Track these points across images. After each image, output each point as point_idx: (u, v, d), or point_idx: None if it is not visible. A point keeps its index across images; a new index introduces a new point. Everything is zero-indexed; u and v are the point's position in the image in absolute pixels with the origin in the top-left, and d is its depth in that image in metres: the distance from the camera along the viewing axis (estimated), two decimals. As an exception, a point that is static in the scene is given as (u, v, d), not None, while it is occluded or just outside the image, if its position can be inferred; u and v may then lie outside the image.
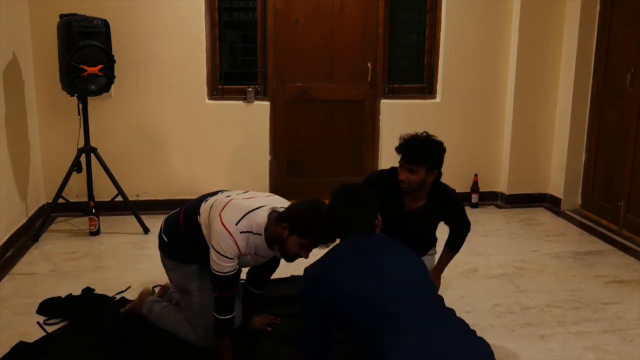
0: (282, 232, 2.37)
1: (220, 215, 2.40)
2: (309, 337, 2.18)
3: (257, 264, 2.64)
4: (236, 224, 2.38)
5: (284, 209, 2.47)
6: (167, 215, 2.81)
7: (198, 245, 2.54)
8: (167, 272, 2.79)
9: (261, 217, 2.43)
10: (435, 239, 3.07)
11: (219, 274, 2.40)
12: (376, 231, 2.29)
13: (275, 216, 2.45)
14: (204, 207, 2.56)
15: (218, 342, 2.52)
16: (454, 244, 3.01)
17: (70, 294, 3.26)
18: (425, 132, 2.76)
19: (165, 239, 2.73)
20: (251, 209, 2.44)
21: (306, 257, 2.41)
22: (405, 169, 2.68)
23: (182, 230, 2.64)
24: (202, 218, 2.53)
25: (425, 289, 2.10)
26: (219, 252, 2.37)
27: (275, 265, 2.83)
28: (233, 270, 2.42)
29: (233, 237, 2.36)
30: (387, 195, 2.75)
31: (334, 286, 2.06)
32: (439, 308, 2.07)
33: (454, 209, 2.92)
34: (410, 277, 2.10)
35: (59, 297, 3.21)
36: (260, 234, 2.42)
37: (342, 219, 2.24)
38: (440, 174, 2.79)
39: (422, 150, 2.66)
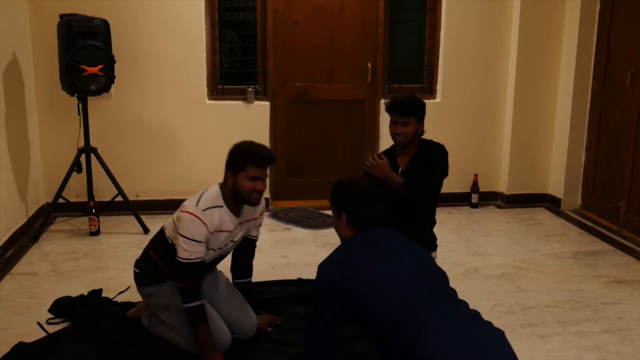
0: (230, 179, 2.58)
1: (180, 210, 2.58)
2: (315, 335, 2.17)
3: (230, 249, 2.77)
4: (196, 205, 2.54)
5: None
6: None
7: (172, 261, 2.63)
8: (146, 300, 2.81)
9: (214, 189, 2.63)
10: (434, 205, 3.17)
11: (188, 260, 2.50)
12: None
13: (222, 182, 2.65)
14: (167, 225, 2.73)
15: (195, 332, 2.55)
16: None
17: (83, 294, 3.25)
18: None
19: (138, 270, 2.81)
20: (203, 191, 2.64)
21: (262, 187, 2.58)
22: (400, 124, 3.02)
23: (155, 257, 2.74)
24: (169, 231, 2.68)
25: (440, 285, 2.13)
26: (187, 237, 2.49)
27: (250, 248, 2.90)
28: (200, 257, 2.53)
29: (199, 218, 2.50)
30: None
31: (348, 279, 2.08)
32: (455, 302, 2.09)
33: (438, 153, 3.10)
34: (424, 272, 2.13)
35: (69, 297, 3.20)
36: (222, 205, 2.59)
37: (357, 214, 2.28)
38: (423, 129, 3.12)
39: (411, 103, 3.06)
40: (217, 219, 2.56)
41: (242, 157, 2.57)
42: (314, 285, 2.20)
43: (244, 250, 2.88)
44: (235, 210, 2.64)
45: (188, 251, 2.49)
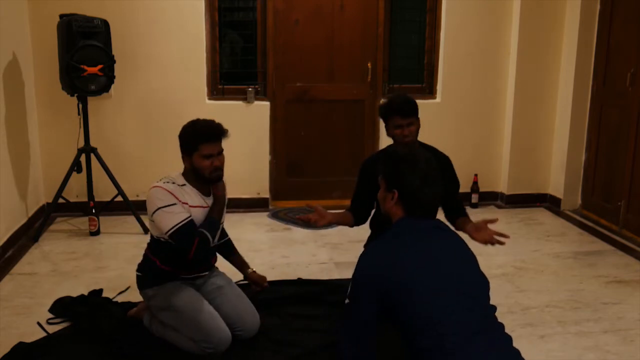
0: (187, 163, 2.66)
1: (149, 194, 2.65)
2: (353, 337, 1.96)
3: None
4: (157, 182, 2.67)
5: None
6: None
7: (167, 251, 2.70)
8: (149, 303, 2.83)
9: (174, 173, 2.73)
10: None
11: (175, 227, 2.55)
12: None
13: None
14: (149, 227, 2.85)
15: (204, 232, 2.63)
16: (462, 211, 3.13)
17: (83, 294, 3.25)
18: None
19: (140, 274, 2.83)
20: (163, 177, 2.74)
21: (219, 163, 2.63)
22: (404, 125, 2.95)
23: (153, 259, 2.77)
24: (152, 230, 2.78)
25: (483, 302, 2.00)
26: (161, 207, 2.56)
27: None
28: (187, 217, 2.58)
29: (160, 187, 2.61)
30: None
31: (396, 273, 1.89)
32: (496, 326, 1.98)
33: (450, 169, 3.11)
34: (472, 286, 1.98)
35: (69, 297, 3.20)
36: (185, 184, 2.68)
37: (412, 197, 2.03)
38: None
39: (411, 102, 3.01)
40: (181, 194, 2.63)
41: (191, 137, 2.63)
42: (355, 274, 1.98)
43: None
44: (203, 189, 2.70)
45: (172, 215, 2.55)
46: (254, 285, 3.03)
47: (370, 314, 1.93)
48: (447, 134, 5.05)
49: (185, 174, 2.72)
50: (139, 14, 4.62)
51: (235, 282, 3.02)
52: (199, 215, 2.67)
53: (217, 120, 2.77)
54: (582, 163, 5.05)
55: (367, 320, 1.94)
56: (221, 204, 2.75)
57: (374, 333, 1.96)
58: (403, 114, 2.96)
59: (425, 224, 2.05)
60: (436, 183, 2.06)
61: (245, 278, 3.05)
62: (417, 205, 2.04)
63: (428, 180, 2.03)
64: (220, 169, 2.66)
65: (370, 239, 3.22)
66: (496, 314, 2.99)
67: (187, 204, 2.63)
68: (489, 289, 2.06)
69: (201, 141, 2.60)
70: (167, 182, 2.65)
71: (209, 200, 2.72)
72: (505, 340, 1.96)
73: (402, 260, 1.93)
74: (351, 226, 3.13)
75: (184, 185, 2.68)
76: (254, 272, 3.03)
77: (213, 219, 2.68)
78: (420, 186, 2.02)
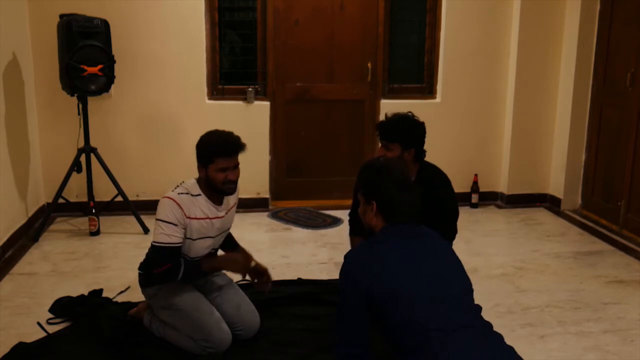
0: (201, 172, 2.64)
1: (162, 201, 2.63)
2: (345, 342, 2.02)
3: (220, 240, 2.82)
4: (173, 191, 2.65)
5: None
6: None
7: None
8: (150, 301, 2.84)
9: (190, 181, 2.71)
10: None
11: (164, 244, 2.54)
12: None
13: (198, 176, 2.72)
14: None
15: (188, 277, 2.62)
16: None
17: (83, 294, 3.25)
18: (409, 112, 2.82)
19: (142, 272, 2.83)
20: (182, 182, 2.73)
21: (233, 177, 2.64)
22: (382, 146, 2.78)
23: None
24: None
25: (468, 299, 2.03)
26: (162, 220, 2.55)
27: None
28: (178, 243, 2.56)
29: (174, 200, 2.58)
30: None
31: (375, 277, 1.94)
32: (481, 322, 2.00)
33: (441, 192, 2.81)
34: (456, 285, 2.03)
35: (68, 297, 3.20)
36: (199, 194, 2.66)
37: (391, 206, 2.08)
38: (420, 153, 2.82)
39: (395, 127, 2.73)
40: (193, 205, 2.62)
41: (209, 150, 2.61)
42: (340, 282, 2.03)
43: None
44: (216, 199, 2.70)
45: (166, 234, 2.54)
46: (255, 281, 2.92)
47: (359, 317, 1.98)
48: (447, 134, 5.06)
49: (199, 183, 2.70)
50: (139, 14, 4.62)
51: (236, 282, 3.02)
52: (204, 227, 2.66)
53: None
54: (582, 163, 5.05)
55: (358, 322, 1.99)
56: (223, 268, 2.77)
57: (365, 334, 2.01)
58: (380, 135, 2.77)
59: (407, 228, 2.09)
60: (412, 190, 2.12)
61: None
62: (397, 211, 2.08)
63: (404, 187, 2.10)
64: (233, 183, 2.66)
65: (351, 234, 3.14)
66: (496, 314, 2.99)
67: (194, 218, 2.61)
68: (472, 291, 2.10)
69: (217, 155, 2.60)
70: (182, 194, 2.63)
71: (221, 209, 2.72)
72: (493, 336, 1.97)
73: (385, 266, 1.97)
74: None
75: (199, 195, 2.66)
76: (257, 264, 2.93)
77: (198, 265, 2.62)
78: (397, 193, 2.08)
